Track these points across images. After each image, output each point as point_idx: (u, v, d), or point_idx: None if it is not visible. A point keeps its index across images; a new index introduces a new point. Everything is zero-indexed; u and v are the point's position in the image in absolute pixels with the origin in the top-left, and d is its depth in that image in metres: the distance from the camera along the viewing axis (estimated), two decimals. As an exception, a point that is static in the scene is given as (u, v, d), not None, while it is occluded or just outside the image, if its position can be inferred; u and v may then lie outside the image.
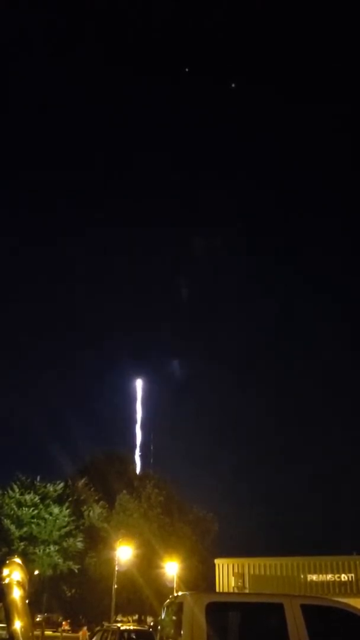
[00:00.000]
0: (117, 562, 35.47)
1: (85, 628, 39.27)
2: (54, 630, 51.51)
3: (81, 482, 43.28)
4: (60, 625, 53.99)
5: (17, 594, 4.19)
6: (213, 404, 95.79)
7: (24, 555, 31.61)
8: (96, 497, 43.43)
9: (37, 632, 37.39)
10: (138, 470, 51.39)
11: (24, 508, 37.34)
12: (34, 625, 36.28)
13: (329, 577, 33.88)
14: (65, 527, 38.32)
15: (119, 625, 29.11)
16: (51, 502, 38.55)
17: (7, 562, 4.19)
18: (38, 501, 38.03)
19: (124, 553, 36.39)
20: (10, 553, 30.97)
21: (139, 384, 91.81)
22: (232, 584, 34.52)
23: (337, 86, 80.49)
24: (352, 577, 33.51)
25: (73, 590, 41.80)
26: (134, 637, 25.17)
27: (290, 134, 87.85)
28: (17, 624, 4.14)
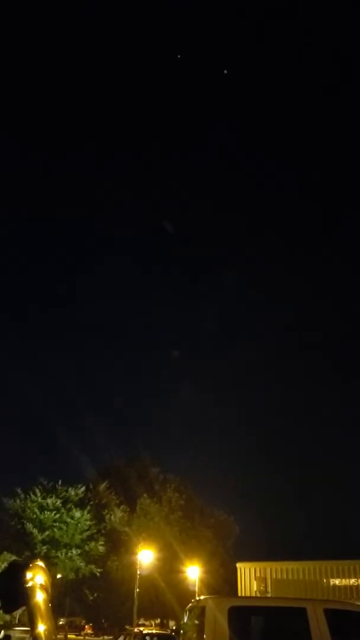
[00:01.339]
0: (138, 566, 35.53)
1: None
2: (77, 633, 51.71)
3: (102, 486, 43.48)
4: (82, 628, 54.18)
5: (40, 597, 4.22)
6: (235, 404, 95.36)
7: (46, 559, 31.83)
8: (117, 501, 43.57)
9: (60, 636, 37.58)
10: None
11: (46, 512, 37.63)
12: (57, 628, 36.46)
13: (352, 581, 33.47)
14: (87, 530, 38.54)
15: (141, 629, 29.14)
16: (73, 506, 38.80)
17: (31, 565, 4.22)
18: (60, 505, 38.31)
19: (146, 557, 36.46)
20: (33, 556, 31.21)
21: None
22: (255, 588, 34.29)
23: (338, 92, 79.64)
24: (376, 581, 33.11)
25: (95, 594, 41.96)
26: (156, 641, 25.15)
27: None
28: (41, 628, 4.17)
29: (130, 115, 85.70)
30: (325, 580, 33.82)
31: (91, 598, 42.24)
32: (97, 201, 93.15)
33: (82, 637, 49.26)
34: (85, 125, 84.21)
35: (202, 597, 8.97)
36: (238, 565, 36.69)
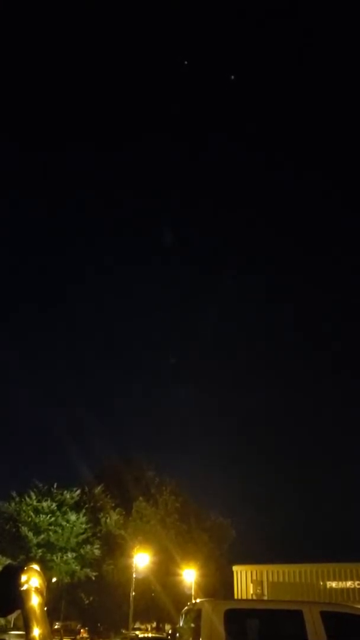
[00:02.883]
0: (134, 569, 35.43)
1: None
2: (72, 638, 51.41)
3: (98, 489, 43.34)
4: (78, 632, 53.88)
5: (35, 601, 4.18)
6: (230, 407, 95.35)
7: (41, 562, 31.63)
8: (113, 504, 43.44)
9: (55, 640, 37.37)
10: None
11: (41, 515, 37.46)
12: (52, 632, 36.30)
13: (349, 584, 33.45)
14: (82, 534, 38.37)
15: (137, 632, 29.08)
16: (68, 509, 38.63)
17: (25, 568, 4.18)
18: (55, 508, 38.14)
19: (142, 560, 36.37)
20: (28, 560, 31.04)
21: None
22: (251, 591, 34.23)
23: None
24: (372, 583, 33.07)
25: (91, 598, 41.79)
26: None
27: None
28: (36, 632, 4.14)
29: (131, 116, 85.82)
30: (322, 583, 33.79)
31: (87, 602, 42.06)
32: (98, 202, 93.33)
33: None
34: (86, 127, 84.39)
35: (198, 600, 8.92)
36: (234, 568, 36.62)
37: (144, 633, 36.44)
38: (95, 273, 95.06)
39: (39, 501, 38.16)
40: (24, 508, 37.86)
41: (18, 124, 78.69)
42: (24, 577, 4.26)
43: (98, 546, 38.96)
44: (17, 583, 4.28)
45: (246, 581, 35.14)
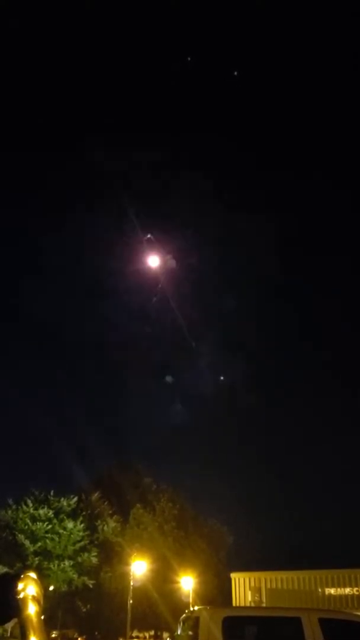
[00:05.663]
0: (132, 577, 35.28)
1: None
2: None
3: (95, 496, 43.21)
4: (75, 641, 53.58)
5: (32, 609, 4.15)
6: (227, 413, 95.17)
7: (38, 571, 31.50)
8: (110, 511, 43.30)
9: (52, 649, 37.14)
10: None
11: (38, 523, 37.32)
12: (49, 641, 36.06)
13: (347, 590, 33.34)
14: (79, 541, 38.23)
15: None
16: (65, 517, 38.50)
17: (22, 576, 4.15)
18: (52, 516, 38.01)
19: (139, 567, 36.22)
20: (25, 568, 30.92)
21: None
22: (249, 598, 34.08)
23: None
24: (370, 590, 32.96)
25: (88, 606, 41.56)
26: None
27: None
28: (33, 640, 4.10)
29: (133, 115, 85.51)
30: (320, 590, 33.68)
31: (84, 610, 41.83)
32: (98, 213, 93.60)
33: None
34: (86, 125, 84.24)
35: (196, 608, 8.90)
36: (232, 575, 36.47)
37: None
38: (95, 292, 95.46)
39: (35, 509, 38.03)
40: (20, 516, 37.72)
41: (18, 125, 78.60)
42: (20, 585, 4.24)
43: (95, 554, 38.82)
44: (13, 591, 4.26)
45: (244, 588, 35.00)
